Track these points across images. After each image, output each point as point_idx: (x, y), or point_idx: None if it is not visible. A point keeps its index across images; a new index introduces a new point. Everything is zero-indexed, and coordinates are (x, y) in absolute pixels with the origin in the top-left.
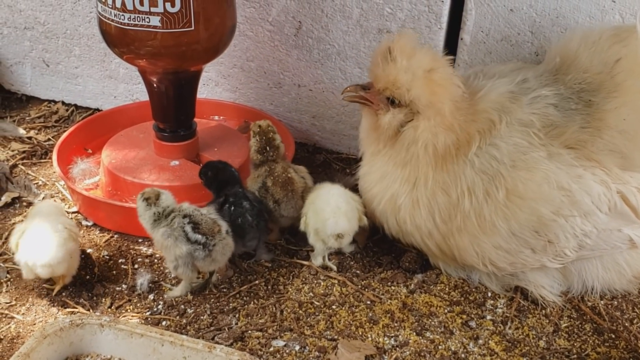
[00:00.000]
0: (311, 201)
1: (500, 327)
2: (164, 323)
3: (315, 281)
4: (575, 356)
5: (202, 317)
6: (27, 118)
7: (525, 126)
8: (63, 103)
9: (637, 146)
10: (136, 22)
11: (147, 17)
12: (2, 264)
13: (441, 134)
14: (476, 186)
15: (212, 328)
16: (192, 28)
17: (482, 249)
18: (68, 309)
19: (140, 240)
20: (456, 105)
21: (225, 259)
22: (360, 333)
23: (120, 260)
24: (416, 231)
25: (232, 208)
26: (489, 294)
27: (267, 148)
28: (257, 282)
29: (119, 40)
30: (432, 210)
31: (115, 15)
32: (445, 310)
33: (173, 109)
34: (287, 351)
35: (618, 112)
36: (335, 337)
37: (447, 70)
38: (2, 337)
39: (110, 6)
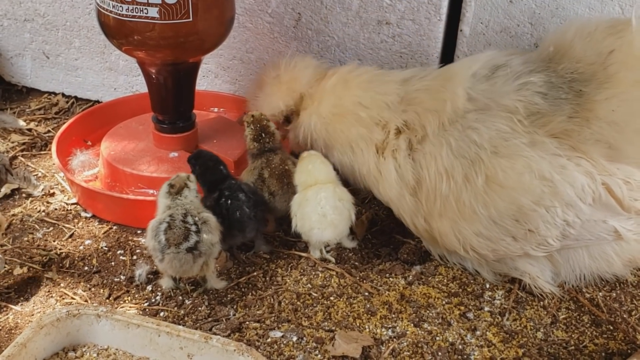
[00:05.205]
0: (299, 203)
1: (498, 318)
2: (161, 314)
3: (314, 272)
4: (573, 347)
5: (199, 308)
6: (27, 110)
7: (509, 112)
8: (63, 95)
9: (625, 138)
10: (134, 14)
11: (145, 8)
12: (1, 255)
13: (313, 116)
14: (455, 170)
15: (209, 319)
16: (191, 19)
17: (463, 235)
18: (66, 300)
19: (139, 232)
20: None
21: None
22: (358, 324)
23: (118, 252)
24: (391, 204)
25: (229, 202)
26: (487, 286)
27: (263, 135)
28: (255, 273)
29: (117, 31)
30: (400, 183)
31: (113, 7)
32: (443, 302)
33: (172, 100)
34: (285, 342)
35: (608, 103)
36: (333, 328)
37: (290, 68)
38: (0, 327)
39: None
